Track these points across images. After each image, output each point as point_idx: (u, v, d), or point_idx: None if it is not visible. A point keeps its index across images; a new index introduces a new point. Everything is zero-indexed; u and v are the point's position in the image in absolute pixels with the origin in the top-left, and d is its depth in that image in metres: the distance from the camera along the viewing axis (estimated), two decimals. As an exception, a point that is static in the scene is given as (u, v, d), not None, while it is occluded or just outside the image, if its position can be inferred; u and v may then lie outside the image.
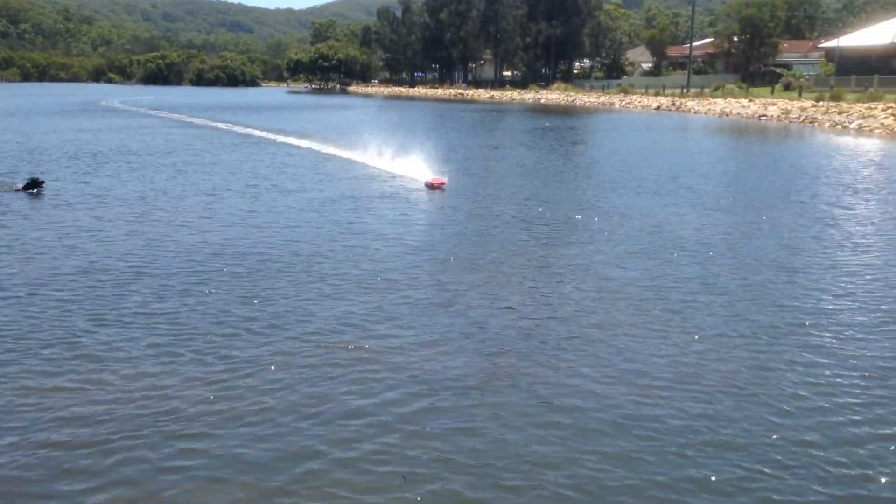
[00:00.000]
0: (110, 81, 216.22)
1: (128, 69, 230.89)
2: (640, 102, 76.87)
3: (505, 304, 10.58)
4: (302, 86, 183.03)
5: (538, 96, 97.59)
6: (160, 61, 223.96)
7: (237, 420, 7.13)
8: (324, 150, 31.21)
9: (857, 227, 15.81)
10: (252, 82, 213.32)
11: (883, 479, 6.19)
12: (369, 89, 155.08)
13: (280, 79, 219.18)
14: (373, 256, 13.14)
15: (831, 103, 50.98)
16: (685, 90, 78.88)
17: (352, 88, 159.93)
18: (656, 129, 47.92)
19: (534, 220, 16.34)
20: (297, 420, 7.14)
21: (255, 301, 10.58)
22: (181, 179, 22.65)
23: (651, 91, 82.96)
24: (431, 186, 19.09)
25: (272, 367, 8.31)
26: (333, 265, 12.50)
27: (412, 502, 5.87)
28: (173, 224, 15.79)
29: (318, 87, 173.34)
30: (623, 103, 78.87)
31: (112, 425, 6.98)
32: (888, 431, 6.98)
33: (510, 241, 14.41)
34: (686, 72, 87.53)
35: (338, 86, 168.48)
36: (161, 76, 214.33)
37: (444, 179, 19.42)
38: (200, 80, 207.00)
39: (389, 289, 11.22)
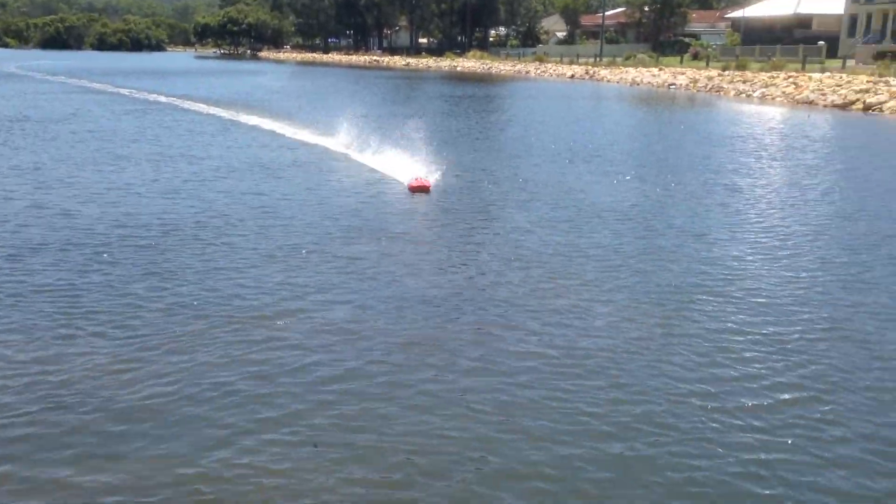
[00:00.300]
0: (6, 46, 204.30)
1: (24, 33, 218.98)
2: (554, 71, 77.49)
3: (418, 274, 10.44)
4: (210, 51, 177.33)
5: (454, 64, 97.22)
6: (59, 24, 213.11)
7: (140, 395, 6.79)
8: (232, 118, 30.29)
9: (763, 193, 16.28)
10: (158, 47, 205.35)
11: (790, 441, 6.34)
12: (281, 55, 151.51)
13: (187, 44, 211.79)
14: (284, 226, 12.78)
15: (736, 73, 52.50)
16: (598, 59, 79.94)
17: (263, 54, 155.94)
18: (570, 97, 48.39)
19: (449, 188, 16.21)
20: (204, 395, 6.85)
21: (161, 274, 10.13)
22: (81, 148, 21.57)
23: (565, 60, 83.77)
24: (414, 189, 15.37)
25: (178, 343, 7.96)
26: (243, 236, 12.10)
27: (323, 471, 5.70)
28: (72, 194, 15.00)
29: (227, 52, 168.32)
30: (538, 72, 79.36)
31: (4, 401, 6.56)
32: (794, 395, 7.16)
33: (424, 210, 14.25)
34: (599, 41, 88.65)
35: (248, 51, 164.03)
36: (60, 40, 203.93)
37: (429, 181, 15.74)
38: (102, 45, 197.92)
39: (301, 259, 10.93)
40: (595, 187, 16.72)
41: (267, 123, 27.24)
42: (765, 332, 8.56)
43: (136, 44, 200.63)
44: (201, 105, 35.42)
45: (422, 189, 15.04)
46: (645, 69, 64.65)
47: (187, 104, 36.35)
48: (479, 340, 8.30)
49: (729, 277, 10.50)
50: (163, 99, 40.01)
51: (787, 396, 7.06)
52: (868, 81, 38.99)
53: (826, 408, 6.88)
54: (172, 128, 26.83)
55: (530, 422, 6.56)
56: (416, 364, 7.63)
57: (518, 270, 10.63)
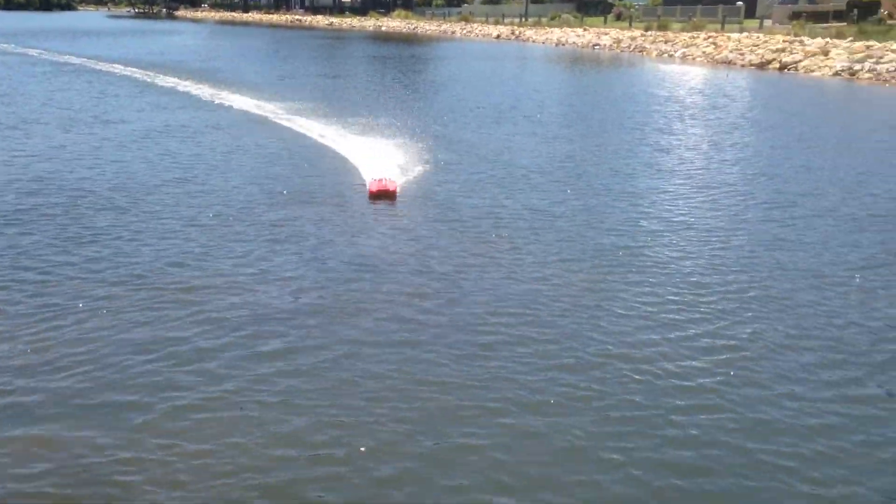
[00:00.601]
0: None
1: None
2: (480, 31, 77.03)
3: (343, 238, 10.24)
4: (124, 10, 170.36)
5: (379, 24, 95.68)
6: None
7: (53, 367, 6.47)
8: (147, 79, 29.13)
9: (687, 153, 16.51)
10: (68, 6, 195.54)
11: (716, 402, 6.45)
12: (199, 14, 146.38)
13: (99, 3, 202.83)
14: (204, 191, 12.35)
15: (658, 33, 53.10)
16: (523, 19, 79.79)
17: (179, 13, 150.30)
18: (496, 58, 48.20)
19: (376, 150, 15.93)
20: (121, 365, 6.56)
21: (75, 242, 9.66)
22: (-16, 111, 20.41)
23: (491, 20, 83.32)
24: (376, 195, 12.01)
25: (93, 313, 7.61)
26: (161, 201, 11.65)
27: (247, 437, 5.53)
28: (-25, 161, 14.18)
29: (141, 11, 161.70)
30: (464, 32, 78.77)
31: None
32: (718, 357, 7.27)
33: (346, 173, 13.97)
34: (524, 1, 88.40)
35: (164, 10, 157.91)
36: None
37: (394, 184, 12.38)
38: (9, 4, 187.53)
39: (222, 225, 10.58)
40: (522, 148, 16.68)
41: (184, 85, 26.30)
42: (688, 291, 8.68)
43: (46, 3, 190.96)
44: (115, 66, 33.96)
45: (384, 194, 11.92)
46: (570, 29, 64.83)
47: (100, 66, 34.80)
48: (407, 304, 8.18)
49: (654, 237, 10.61)
50: (74, 60, 38.21)
51: (711, 358, 7.16)
52: (784, 41, 39.93)
53: (750, 368, 7.01)
54: (84, 90, 25.64)
55: (460, 391, 6.51)
56: (343, 333, 7.47)
57: (446, 233, 10.51)
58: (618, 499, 5.16)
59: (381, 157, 15.12)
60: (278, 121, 19.22)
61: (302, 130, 17.90)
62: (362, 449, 5.58)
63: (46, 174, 13.18)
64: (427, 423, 5.96)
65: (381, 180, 12.31)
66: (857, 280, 9.10)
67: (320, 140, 16.63)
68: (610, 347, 7.22)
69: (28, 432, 5.68)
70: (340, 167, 14.40)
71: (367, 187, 12.28)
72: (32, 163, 14.09)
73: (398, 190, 12.22)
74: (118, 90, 26.01)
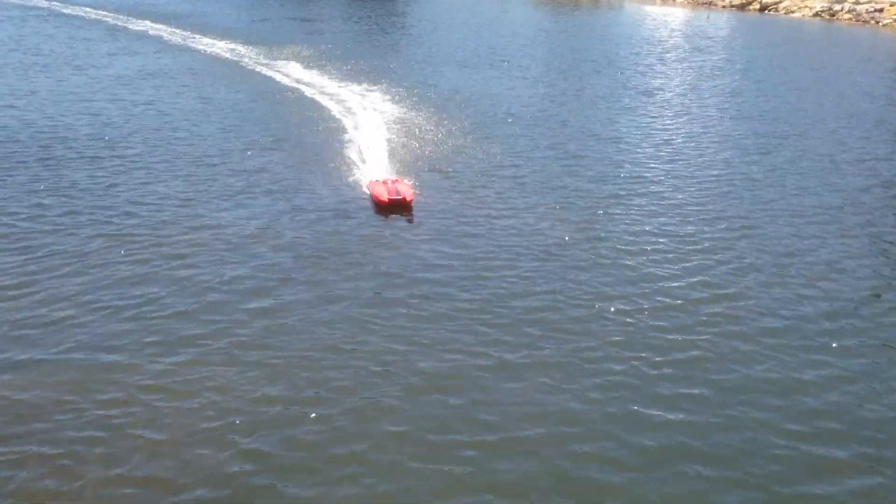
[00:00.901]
0: None
1: None
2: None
3: (323, 186, 10.16)
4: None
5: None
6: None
7: (36, 312, 6.42)
8: (119, 23, 28.35)
9: (669, 96, 16.42)
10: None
11: (701, 338, 6.52)
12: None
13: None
14: (179, 137, 12.16)
15: (639, -26, 52.26)
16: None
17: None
18: (474, 2, 47.36)
19: (363, 93, 15.70)
20: (101, 312, 6.52)
21: (50, 191, 9.50)
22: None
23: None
24: (387, 205, 9.24)
25: (70, 261, 7.52)
26: (136, 148, 11.46)
27: (235, 386, 5.54)
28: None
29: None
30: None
31: None
32: (705, 294, 7.33)
33: (325, 117, 13.79)
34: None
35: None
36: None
37: (410, 193, 9.47)
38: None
39: (199, 172, 10.46)
40: (503, 93, 16.50)
41: (156, 29, 25.61)
42: (672, 231, 8.71)
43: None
44: (85, 9, 32.99)
45: (400, 204, 9.18)
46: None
47: (69, 9, 33.78)
48: (388, 246, 8.19)
49: (638, 179, 10.61)
50: (42, 3, 37.07)
51: (698, 295, 7.23)
52: (765, -18, 39.50)
53: (737, 302, 7.09)
54: (54, 35, 24.89)
55: (437, 329, 6.52)
56: (322, 276, 7.43)
57: (430, 181, 10.43)
58: (604, 434, 5.26)
59: (357, 99, 14.90)
60: (254, 66, 18.84)
61: (276, 74, 17.58)
62: (345, 384, 5.62)
63: (17, 122, 12.86)
64: (408, 360, 6.00)
65: (386, 182, 9.67)
66: (834, 215, 9.25)
67: (296, 84, 16.34)
68: (595, 287, 7.26)
69: (8, 378, 5.65)
70: (316, 111, 14.20)
71: (371, 192, 9.56)
72: (2, 109, 13.75)
73: (413, 197, 9.36)
74: (89, 34, 25.28)
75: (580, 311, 6.88)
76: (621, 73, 19.28)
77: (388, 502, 4.67)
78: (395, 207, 8.96)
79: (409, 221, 8.95)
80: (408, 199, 9.08)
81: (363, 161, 11.14)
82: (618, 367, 6.01)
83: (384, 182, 9.59)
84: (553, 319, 6.71)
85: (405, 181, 9.71)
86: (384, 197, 9.10)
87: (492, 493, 4.73)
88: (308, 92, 15.80)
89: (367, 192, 9.57)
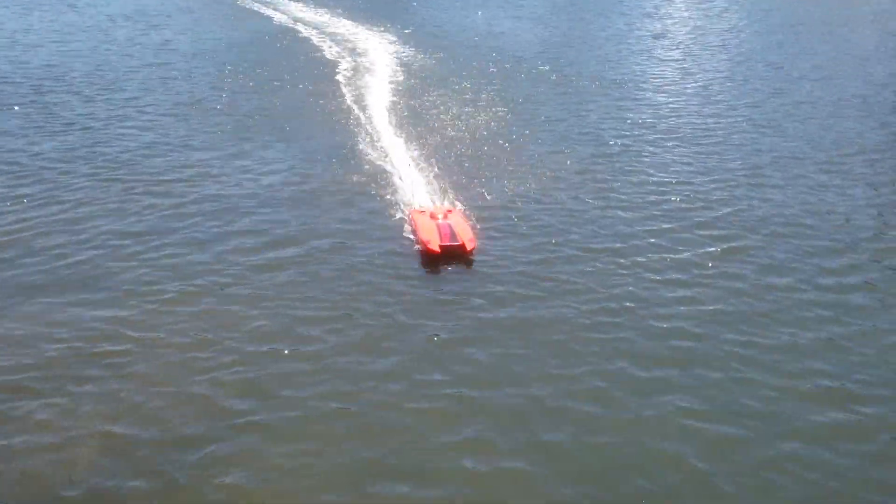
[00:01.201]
0: None
1: None
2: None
3: (325, 123, 10.06)
4: None
5: None
6: None
7: (28, 253, 6.38)
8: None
9: (679, 38, 16.04)
10: None
11: (711, 294, 6.37)
12: None
13: None
14: (175, 76, 11.96)
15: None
16: None
17: None
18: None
19: (354, 33, 15.38)
20: (98, 251, 6.47)
21: (45, 131, 9.35)
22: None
23: None
24: (436, 253, 7.06)
25: (66, 202, 7.41)
26: (132, 88, 11.26)
27: (223, 318, 5.45)
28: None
29: None
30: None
31: None
32: (715, 249, 7.01)
33: (320, 62, 13.50)
34: None
35: None
36: None
37: (470, 239, 7.27)
38: None
39: (196, 113, 10.28)
40: (507, 32, 16.14)
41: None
42: (680, 178, 8.47)
43: None
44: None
45: (456, 250, 7.02)
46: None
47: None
48: (386, 183, 8.05)
49: (648, 122, 10.40)
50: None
51: (707, 250, 6.93)
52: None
53: (746, 255, 6.85)
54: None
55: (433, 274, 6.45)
56: (313, 222, 7.30)
57: (432, 127, 10.16)
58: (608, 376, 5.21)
59: (350, 42, 14.56)
60: (252, 3, 18.46)
61: (272, 13, 17.27)
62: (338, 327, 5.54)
63: (9, 61, 12.60)
64: (406, 317, 5.92)
65: (435, 216, 7.42)
66: (833, 158, 9.11)
67: (293, 24, 16.01)
68: (601, 241, 7.13)
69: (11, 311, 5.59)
70: (315, 51, 13.93)
71: (415, 232, 7.31)
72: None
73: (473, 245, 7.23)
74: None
75: (579, 263, 6.71)
76: (629, 14, 18.69)
77: (381, 437, 4.59)
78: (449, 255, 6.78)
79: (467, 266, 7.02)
80: (467, 246, 6.83)
81: (358, 102, 10.90)
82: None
83: (432, 215, 7.27)
84: (552, 272, 6.54)
85: (458, 209, 7.47)
86: (434, 245, 6.81)
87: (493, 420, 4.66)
88: (303, 30, 15.41)
89: (409, 223, 7.32)
